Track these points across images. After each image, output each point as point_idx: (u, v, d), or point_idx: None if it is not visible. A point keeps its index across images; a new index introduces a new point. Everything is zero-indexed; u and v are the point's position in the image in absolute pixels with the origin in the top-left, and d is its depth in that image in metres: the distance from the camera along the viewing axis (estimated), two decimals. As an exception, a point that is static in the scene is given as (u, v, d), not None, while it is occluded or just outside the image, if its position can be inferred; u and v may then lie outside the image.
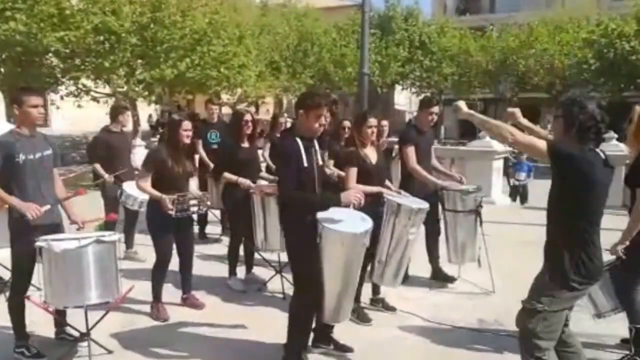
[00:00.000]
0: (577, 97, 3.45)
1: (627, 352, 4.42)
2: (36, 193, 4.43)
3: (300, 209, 4.12)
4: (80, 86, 16.73)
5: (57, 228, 4.59)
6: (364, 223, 4.22)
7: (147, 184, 5.36)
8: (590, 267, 3.33)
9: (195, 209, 5.47)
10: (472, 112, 3.67)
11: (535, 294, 3.45)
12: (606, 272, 4.42)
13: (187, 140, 5.46)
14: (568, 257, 3.31)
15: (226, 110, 25.64)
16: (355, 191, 4.12)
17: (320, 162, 4.37)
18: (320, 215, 4.06)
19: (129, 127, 7.65)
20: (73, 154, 18.79)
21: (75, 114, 17.90)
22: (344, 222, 4.12)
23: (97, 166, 7.30)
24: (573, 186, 3.29)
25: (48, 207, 4.39)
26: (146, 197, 5.63)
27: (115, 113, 7.57)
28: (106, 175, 7.16)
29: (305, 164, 4.08)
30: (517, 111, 3.94)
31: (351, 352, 4.66)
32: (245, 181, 6.07)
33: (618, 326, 4.65)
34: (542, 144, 3.31)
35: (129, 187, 6.74)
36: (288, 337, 4.32)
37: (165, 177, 5.33)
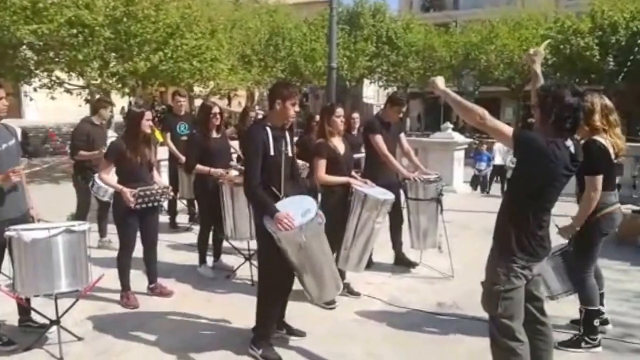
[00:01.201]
0: (552, 87, 3.45)
1: (577, 332, 4.63)
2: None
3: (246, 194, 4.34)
4: (53, 78, 16.67)
5: (25, 218, 4.64)
6: (309, 213, 4.14)
7: (108, 175, 5.42)
8: (536, 248, 3.47)
9: (159, 199, 5.52)
10: (447, 90, 3.64)
11: (490, 275, 3.56)
12: (559, 256, 4.64)
13: (149, 130, 5.54)
14: (515, 237, 3.43)
15: (199, 102, 25.75)
16: (285, 219, 4.00)
17: (291, 154, 4.48)
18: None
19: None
20: (46, 145, 18.68)
21: (49, 105, 17.83)
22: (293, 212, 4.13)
23: (82, 152, 7.20)
24: (531, 172, 3.37)
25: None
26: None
27: (98, 106, 7.58)
28: (96, 152, 7.03)
29: (272, 152, 4.22)
30: (440, 80, 3.75)
31: (304, 336, 4.79)
32: (217, 171, 6.17)
33: (568, 307, 4.85)
34: (507, 129, 3.36)
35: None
36: (256, 321, 4.46)
37: (127, 168, 5.39)
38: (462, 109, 3.50)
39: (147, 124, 5.46)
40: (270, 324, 4.49)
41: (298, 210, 4.12)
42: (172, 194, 6.01)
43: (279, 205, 4.15)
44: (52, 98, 16.74)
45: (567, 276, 4.71)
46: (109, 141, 9.24)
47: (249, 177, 4.23)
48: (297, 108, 4.37)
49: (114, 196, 5.58)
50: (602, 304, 4.83)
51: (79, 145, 7.24)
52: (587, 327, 4.56)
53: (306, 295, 4.42)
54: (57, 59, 15.71)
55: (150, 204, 5.42)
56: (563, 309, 4.97)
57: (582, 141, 4.29)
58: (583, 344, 4.54)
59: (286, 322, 4.83)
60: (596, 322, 4.56)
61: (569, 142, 3.39)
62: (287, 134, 4.42)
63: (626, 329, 4.97)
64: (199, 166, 6.26)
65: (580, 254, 4.58)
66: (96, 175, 6.88)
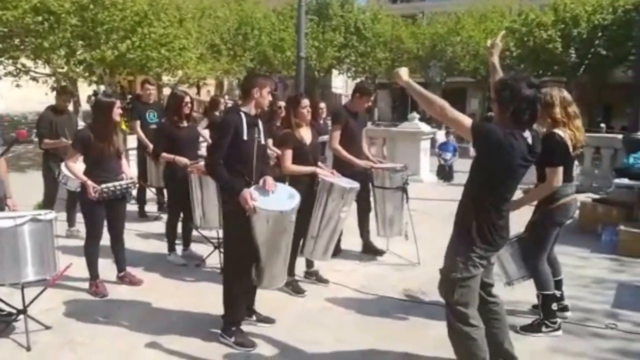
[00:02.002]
0: (509, 81, 3.49)
1: (537, 317, 4.77)
2: None
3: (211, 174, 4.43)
4: (19, 66, 16.38)
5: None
6: (291, 200, 4.41)
7: (74, 164, 5.39)
8: (495, 238, 3.58)
9: (124, 192, 5.50)
10: (410, 81, 3.67)
11: (449, 263, 3.66)
12: (515, 242, 4.76)
13: (118, 118, 5.51)
14: (475, 227, 3.52)
15: (168, 91, 25.50)
16: (247, 198, 4.14)
17: (264, 142, 4.53)
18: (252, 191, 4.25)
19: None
20: (12, 134, 18.40)
21: (14, 93, 17.52)
22: (272, 199, 4.31)
23: (47, 140, 7.17)
24: (489, 164, 3.45)
25: None
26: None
27: (57, 95, 7.54)
28: (64, 140, 7.00)
29: (245, 138, 4.28)
30: (403, 71, 3.76)
31: (273, 323, 4.87)
32: (181, 159, 6.19)
33: (529, 293, 4.95)
34: (467, 122, 3.42)
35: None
36: (224, 308, 4.51)
37: (96, 157, 5.36)
38: (423, 100, 3.55)
39: (117, 113, 5.43)
40: (238, 309, 4.53)
41: (282, 193, 4.41)
42: (137, 185, 6.00)
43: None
44: (18, 86, 16.48)
45: (523, 262, 4.83)
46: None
47: (212, 152, 4.38)
48: (270, 96, 4.48)
49: (82, 187, 5.51)
50: (559, 289, 4.98)
51: (43, 133, 7.19)
52: (545, 312, 4.70)
53: (253, 278, 4.43)
54: (22, 46, 15.44)
55: (113, 195, 5.40)
56: (525, 294, 5.10)
57: (544, 133, 4.42)
58: (544, 328, 4.68)
59: (255, 310, 4.88)
60: (554, 306, 4.70)
61: (527, 134, 3.47)
62: (259, 122, 4.48)
63: (586, 314, 5.13)
64: (164, 154, 6.27)
65: (534, 242, 4.71)
66: (63, 164, 6.83)
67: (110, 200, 5.40)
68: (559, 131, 4.49)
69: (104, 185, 5.30)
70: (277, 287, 4.73)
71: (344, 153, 6.30)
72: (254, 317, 4.86)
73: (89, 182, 5.25)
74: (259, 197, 4.24)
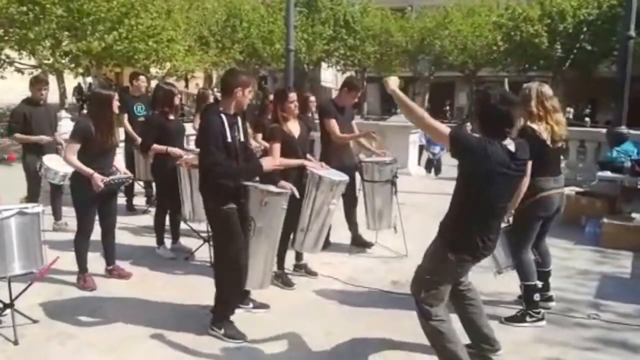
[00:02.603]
0: (483, 97, 3.61)
1: (521, 308, 4.84)
2: None
3: (225, 177, 4.31)
4: (3, 57, 16.23)
5: None
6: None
7: (75, 157, 5.28)
8: (481, 251, 3.63)
9: (121, 185, 5.54)
10: (396, 89, 3.82)
11: (425, 262, 3.78)
12: (503, 233, 4.80)
13: (117, 111, 5.50)
14: (457, 235, 3.60)
15: (155, 83, 25.34)
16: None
17: (243, 138, 4.54)
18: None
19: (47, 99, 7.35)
20: (4, 155, 18.26)
21: (-1, 85, 17.38)
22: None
23: (18, 135, 7.03)
24: (466, 171, 3.54)
25: None
26: (68, 170, 5.64)
27: (32, 85, 7.25)
28: (33, 138, 6.96)
29: (229, 139, 4.28)
30: (393, 81, 3.90)
31: (268, 308, 5.00)
32: (175, 150, 6.20)
33: (515, 284, 5.00)
34: (444, 130, 3.53)
35: (50, 160, 6.66)
36: (215, 303, 4.54)
37: (94, 151, 5.30)
38: (406, 108, 3.72)
39: (116, 105, 5.42)
40: (229, 304, 4.56)
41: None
42: (131, 179, 6.02)
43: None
44: (2, 77, 16.34)
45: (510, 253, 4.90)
46: (63, 122, 9.08)
47: (213, 159, 4.24)
48: (251, 95, 4.55)
49: (74, 180, 5.46)
50: (547, 280, 5.06)
51: (14, 127, 7.03)
52: (528, 302, 4.77)
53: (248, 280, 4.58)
54: (6, 37, 15.30)
55: (112, 188, 5.43)
56: (510, 285, 5.17)
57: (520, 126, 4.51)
58: (528, 319, 4.75)
59: (251, 297, 4.97)
60: (536, 297, 4.76)
61: (508, 141, 3.53)
62: (239, 119, 4.48)
63: (569, 304, 5.22)
64: (156, 146, 6.26)
65: (517, 234, 4.78)
66: (45, 157, 6.75)
67: (103, 196, 5.40)
68: (532, 125, 4.57)
69: (110, 178, 5.31)
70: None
71: (350, 135, 6.53)
72: (250, 305, 4.93)
73: (96, 175, 5.21)
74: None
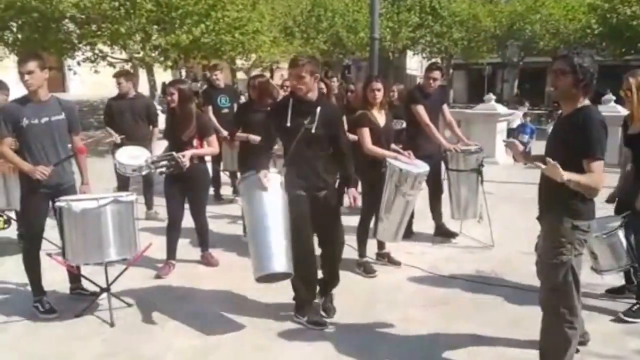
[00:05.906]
0: (574, 53, 3.44)
1: (635, 302, 4.58)
2: (42, 156, 4.59)
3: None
4: (96, 52, 16.84)
5: (70, 189, 4.82)
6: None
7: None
8: (591, 211, 3.45)
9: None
10: (566, 174, 3.20)
11: (555, 246, 3.45)
12: (614, 235, 4.57)
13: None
14: (574, 203, 3.38)
15: (241, 75, 25.71)
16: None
17: (314, 130, 4.35)
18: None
19: (132, 92, 7.60)
20: (91, 119, 18.96)
21: (93, 78, 18.05)
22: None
23: (108, 128, 7.62)
24: None
25: (51, 168, 4.55)
26: (134, 163, 5.87)
27: (115, 78, 7.76)
28: (114, 136, 7.35)
29: (289, 124, 4.31)
30: (559, 173, 3.20)
31: (324, 326, 4.60)
32: (256, 138, 6.23)
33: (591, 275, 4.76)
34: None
35: (121, 154, 6.37)
36: (293, 290, 4.60)
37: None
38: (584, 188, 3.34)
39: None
40: (304, 291, 4.56)
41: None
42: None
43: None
44: (96, 72, 16.95)
45: (623, 252, 4.60)
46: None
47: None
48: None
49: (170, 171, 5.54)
50: None
51: (105, 121, 7.72)
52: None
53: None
54: (99, 32, 15.84)
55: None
56: (593, 276, 4.87)
57: None
58: None
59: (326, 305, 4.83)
60: None
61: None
62: (317, 107, 4.39)
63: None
64: (238, 134, 6.46)
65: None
66: (117, 152, 6.73)
67: (188, 187, 5.64)
68: None
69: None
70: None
71: (434, 130, 6.43)
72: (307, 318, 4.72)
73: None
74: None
